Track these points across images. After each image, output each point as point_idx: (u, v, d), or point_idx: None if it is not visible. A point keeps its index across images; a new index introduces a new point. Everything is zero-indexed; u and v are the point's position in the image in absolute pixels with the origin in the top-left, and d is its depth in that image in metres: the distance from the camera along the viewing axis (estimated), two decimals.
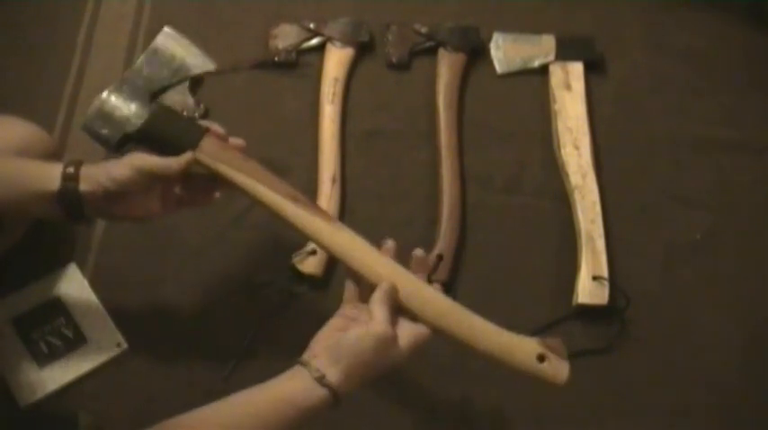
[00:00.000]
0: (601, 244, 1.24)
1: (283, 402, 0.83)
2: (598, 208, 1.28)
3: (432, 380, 1.17)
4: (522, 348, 0.93)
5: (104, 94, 1.04)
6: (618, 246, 1.27)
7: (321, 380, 0.84)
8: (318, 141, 1.33)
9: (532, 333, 1.18)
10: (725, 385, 1.18)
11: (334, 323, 0.90)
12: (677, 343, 1.22)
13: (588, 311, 1.21)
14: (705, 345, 1.21)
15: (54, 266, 1.19)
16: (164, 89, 1.03)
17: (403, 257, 1.24)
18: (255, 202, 0.97)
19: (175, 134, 0.96)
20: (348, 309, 0.93)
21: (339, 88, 1.38)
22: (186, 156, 0.95)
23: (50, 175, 0.92)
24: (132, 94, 1.04)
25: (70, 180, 0.91)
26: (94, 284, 1.19)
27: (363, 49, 1.44)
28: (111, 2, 1.49)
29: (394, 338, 0.88)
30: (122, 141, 1.03)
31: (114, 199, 0.93)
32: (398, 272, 0.93)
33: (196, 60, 1.05)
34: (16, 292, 1.16)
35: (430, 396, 1.16)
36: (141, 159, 0.94)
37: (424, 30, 1.45)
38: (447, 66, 1.42)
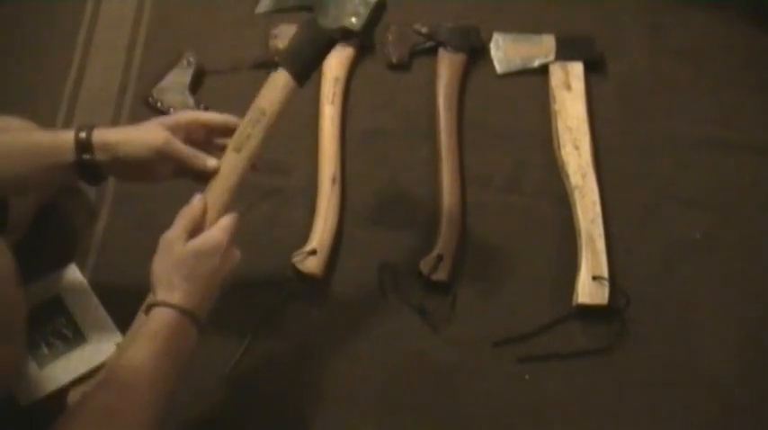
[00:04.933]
0: (601, 244, 1.24)
1: (157, 346, 0.87)
2: (598, 208, 1.28)
3: (431, 380, 1.17)
4: None
5: None
6: (618, 246, 1.27)
7: (159, 304, 0.89)
8: (318, 141, 1.33)
9: (532, 333, 1.20)
10: (725, 385, 1.18)
11: None
12: (677, 343, 1.22)
13: (588, 311, 1.21)
14: (705, 345, 1.21)
15: (54, 266, 1.19)
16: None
17: (403, 259, 1.24)
18: None
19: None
20: None
21: (339, 88, 1.38)
22: (212, 163, 0.99)
23: (64, 146, 0.94)
24: None
25: (85, 150, 0.94)
26: (94, 284, 1.19)
27: (363, 49, 1.44)
28: (111, 2, 1.49)
29: (178, 237, 0.91)
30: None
31: (129, 167, 0.97)
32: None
33: None
34: None
35: (429, 396, 1.16)
36: (166, 143, 0.97)
37: (424, 30, 1.45)
38: (447, 66, 1.42)
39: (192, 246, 0.92)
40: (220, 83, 1.39)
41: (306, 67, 1.02)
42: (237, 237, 0.96)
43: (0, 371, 0.80)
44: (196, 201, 0.95)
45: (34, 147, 0.96)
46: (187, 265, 0.91)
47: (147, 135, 0.97)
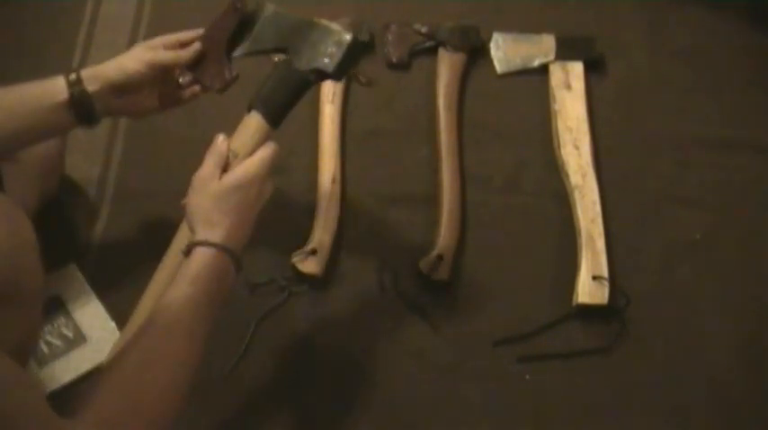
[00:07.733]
0: (601, 244, 1.24)
1: (198, 288, 0.87)
2: (598, 208, 1.28)
3: (430, 381, 1.17)
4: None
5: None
6: (618, 246, 1.27)
7: (200, 244, 0.88)
8: (318, 141, 1.33)
9: (532, 333, 1.20)
10: (725, 385, 1.18)
11: None
12: (677, 343, 1.22)
13: (588, 311, 1.21)
14: (705, 345, 1.21)
15: (54, 266, 1.19)
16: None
17: (403, 259, 1.24)
18: None
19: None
20: None
21: (339, 88, 1.38)
22: (195, 47, 1.07)
23: (56, 87, 0.99)
24: None
25: (77, 84, 0.99)
26: (94, 284, 1.19)
27: (364, 49, 1.43)
28: (111, 2, 1.49)
29: (212, 174, 0.92)
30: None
31: (118, 93, 1.02)
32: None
33: None
34: None
35: (429, 396, 1.16)
36: (152, 53, 1.03)
37: (424, 30, 1.45)
38: (447, 66, 1.42)
39: (228, 180, 0.91)
40: None
41: (279, 110, 0.99)
42: (273, 169, 0.95)
43: (23, 338, 0.80)
44: (220, 141, 0.95)
45: (27, 92, 0.99)
46: (225, 200, 0.90)
47: (131, 53, 1.04)
